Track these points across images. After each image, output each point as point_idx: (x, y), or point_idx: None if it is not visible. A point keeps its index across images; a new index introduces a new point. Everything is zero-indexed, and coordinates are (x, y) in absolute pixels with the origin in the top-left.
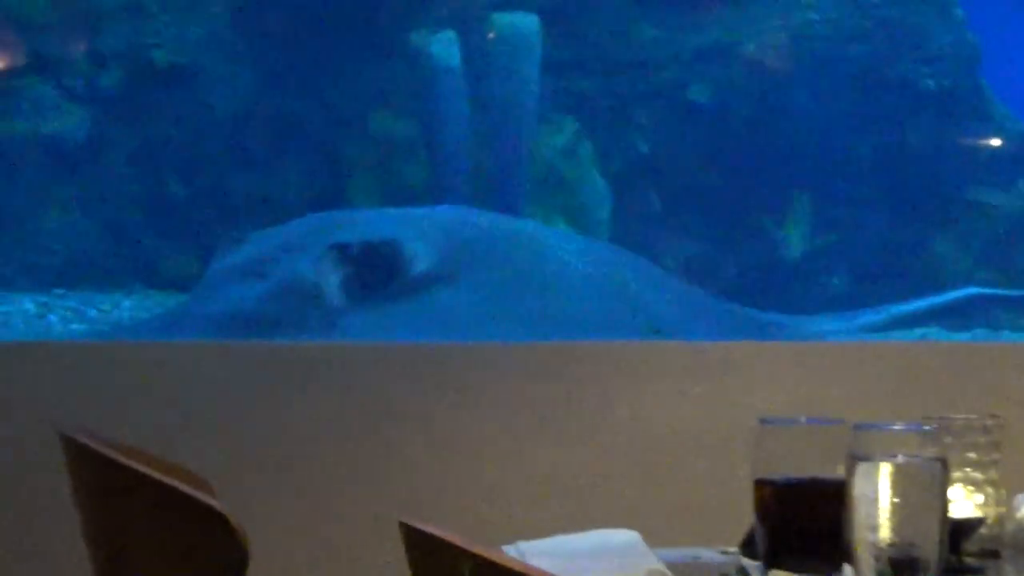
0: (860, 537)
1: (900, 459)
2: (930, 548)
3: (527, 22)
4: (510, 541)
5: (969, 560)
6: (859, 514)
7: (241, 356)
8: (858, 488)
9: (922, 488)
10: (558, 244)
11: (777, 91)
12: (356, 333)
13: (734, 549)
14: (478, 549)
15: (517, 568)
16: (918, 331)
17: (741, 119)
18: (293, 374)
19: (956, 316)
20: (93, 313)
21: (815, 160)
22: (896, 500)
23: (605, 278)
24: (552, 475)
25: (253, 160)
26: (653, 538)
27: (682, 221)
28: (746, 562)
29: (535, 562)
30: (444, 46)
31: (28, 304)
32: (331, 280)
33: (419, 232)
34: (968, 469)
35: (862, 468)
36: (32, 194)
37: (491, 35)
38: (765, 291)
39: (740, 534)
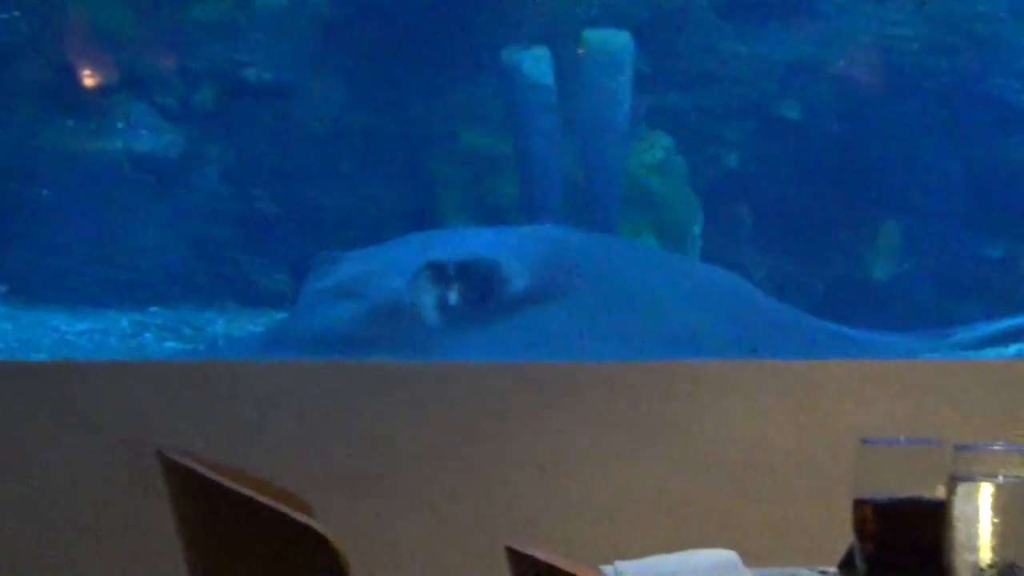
0: (960, 558)
1: (1001, 479)
2: None
3: (619, 38)
4: (609, 561)
5: None
6: (959, 534)
7: (335, 375)
8: (958, 508)
9: (1023, 508)
10: (654, 262)
11: (866, 106)
12: (452, 353)
13: (832, 569)
14: (579, 571)
15: None
16: (1013, 348)
17: (830, 134)
18: (388, 394)
19: None
20: (188, 332)
21: (904, 175)
22: (996, 520)
23: (701, 296)
24: (650, 495)
25: (344, 177)
26: (751, 557)
27: (770, 237)
28: None
29: None
30: (536, 62)
31: (123, 322)
32: (427, 300)
33: (515, 251)
34: None
35: (963, 488)
36: (127, 212)
37: (583, 51)
38: (854, 308)
39: (838, 553)
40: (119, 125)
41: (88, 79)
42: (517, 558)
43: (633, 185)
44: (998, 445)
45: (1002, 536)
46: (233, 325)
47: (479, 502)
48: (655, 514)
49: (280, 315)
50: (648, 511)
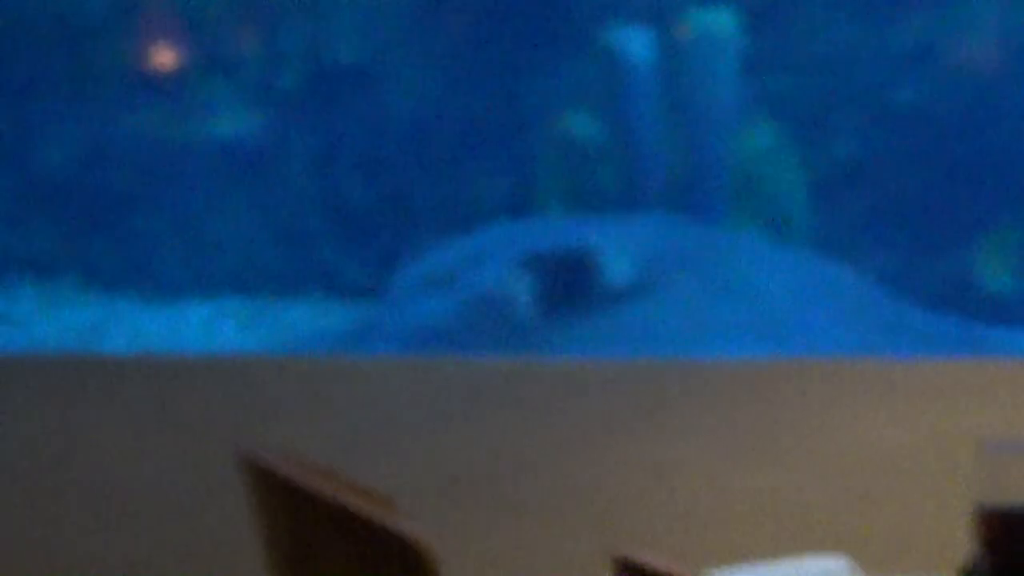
0: None
1: None
2: None
3: (725, 20)
4: (718, 567)
5: None
6: None
7: (429, 373)
8: None
9: None
10: (762, 255)
11: (986, 94)
12: (550, 348)
13: None
14: None
15: None
16: None
17: (948, 123)
18: (484, 393)
19: None
20: (270, 322)
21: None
22: None
23: (811, 292)
24: (761, 499)
25: (436, 164)
26: (867, 564)
27: (884, 230)
28: None
29: None
30: (639, 44)
31: (204, 311)
32: (523, 292)
33: (616, 241)
34: None
35: None
36: (208, 199)
37: (688, 33)
38: (971, 303)
39: (957, 560)
40: (200, 108)
41: (169, 61)
42: (623, 564)
43: (740, 174)
44: None
45: None
46: (320, 316)
47: (579, 503)
48: (766, 519)
49: (369, 307)
50: (758, 516)
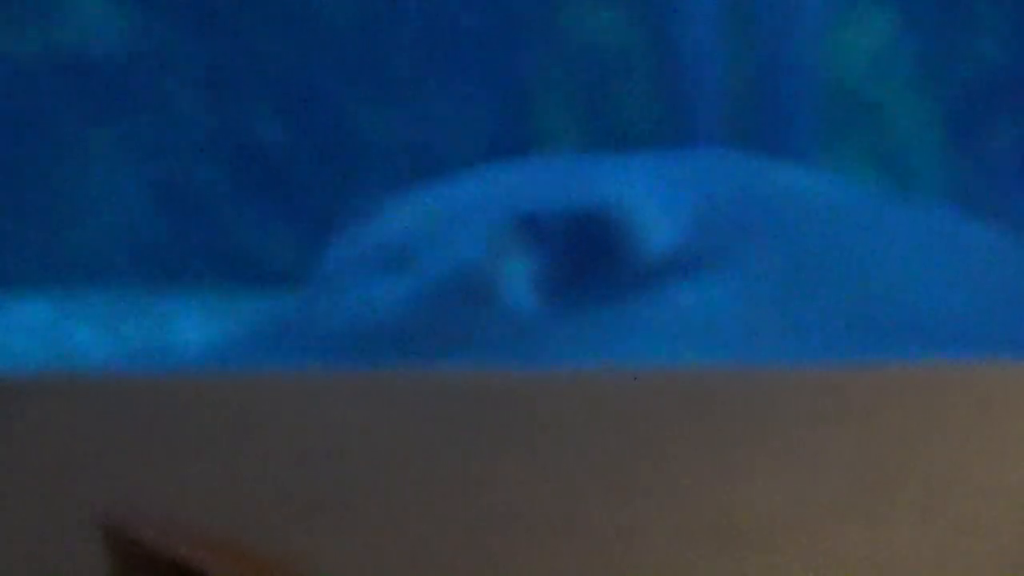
0: None
1: None
2: None
3: None
4: None
5: None
6: None
7: (374, 391)
8: None
9: None
10: (871, 209)
11: None
12: (556, 353)
13: None
14: None
15: None
16: None
17: None
18: (458, 418)
19: None
20: (144, 325)
21: None
22: None
23: (945, 261)
24: (868, 560)
25: (386, 85)
26: None
27: None
28: None
29: None
30: None
31: (44, 310)
32: (515, 271)
33: (654, 193)
34: None
35: None
36: (51, 139)
37: None
38: None
39: None
40: (42, 9)
41: None
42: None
43: (837, 90)
44: None
45: None
46: (214, 315)
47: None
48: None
49: (288, 300)
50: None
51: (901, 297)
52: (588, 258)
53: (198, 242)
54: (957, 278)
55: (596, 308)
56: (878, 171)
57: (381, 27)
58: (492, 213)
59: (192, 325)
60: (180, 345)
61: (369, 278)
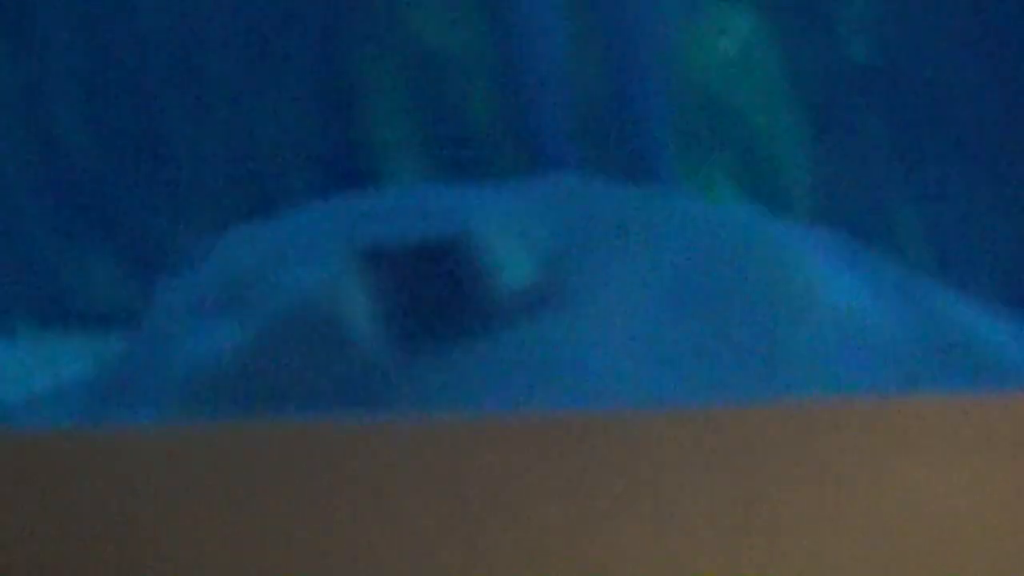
0: None
1: None
2: None
3: None
4: None
5: None
6: None
7: (207, 447)
8: None
9: None
10: (740, 232)
11: None
12: (407, 398)
13: None
14: None
15: None
16: None
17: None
18: (306, 474)
19: None
20: None
21: None
22: None
23: (823, 294)
24: None
25: (208, 87)
26: None
27: (929, 174)
28: None
29: None
30: None
31: None
32: (362, 308)
33: (508, 221)
34: None
35: None
36: None
37: None
38: None
39: None
40: None
41: None
42: None
43: (695, 97)
44: None
45: None
46: (31, 359)
47: None
48: None
49: (115, 346)
50: None
51: (774, 327)
52: (439, 294)
53: (10, 282)
54: (827, 307)
55: (449, 348)
56: (738, 185)
57: (207, 26)
58: (334, 247)
59: (9, 376)
60: None
61: (203, 321)
